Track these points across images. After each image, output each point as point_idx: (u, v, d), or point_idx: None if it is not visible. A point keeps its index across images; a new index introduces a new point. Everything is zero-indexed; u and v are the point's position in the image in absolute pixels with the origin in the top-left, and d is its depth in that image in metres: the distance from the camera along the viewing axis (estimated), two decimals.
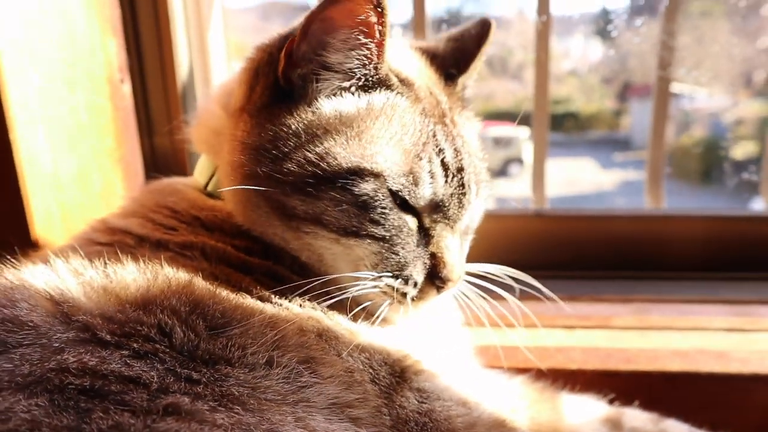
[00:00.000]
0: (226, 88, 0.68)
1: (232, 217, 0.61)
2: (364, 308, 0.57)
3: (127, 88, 0.95)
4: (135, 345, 0.43)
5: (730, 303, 0.90)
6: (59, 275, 0.50)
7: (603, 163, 5.09)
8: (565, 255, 1.05)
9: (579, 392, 0.68)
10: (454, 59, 0.66)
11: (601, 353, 0.77)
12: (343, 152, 0.56)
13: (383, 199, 0.57)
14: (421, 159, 0.58)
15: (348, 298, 0.55)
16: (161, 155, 1.03)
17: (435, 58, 0.67)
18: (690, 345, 0.78)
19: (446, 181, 0.59)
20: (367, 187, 0.56)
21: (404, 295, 0.58)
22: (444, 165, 0.59)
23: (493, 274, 0.68)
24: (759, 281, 0.97)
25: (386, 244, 0.58)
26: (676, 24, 1.13)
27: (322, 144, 0.57)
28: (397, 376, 0.54)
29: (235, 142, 0.61)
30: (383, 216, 0.57)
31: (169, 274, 0.51)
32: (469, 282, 0.66)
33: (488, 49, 0.67)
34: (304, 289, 0.55)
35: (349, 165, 0.56)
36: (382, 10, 0.54)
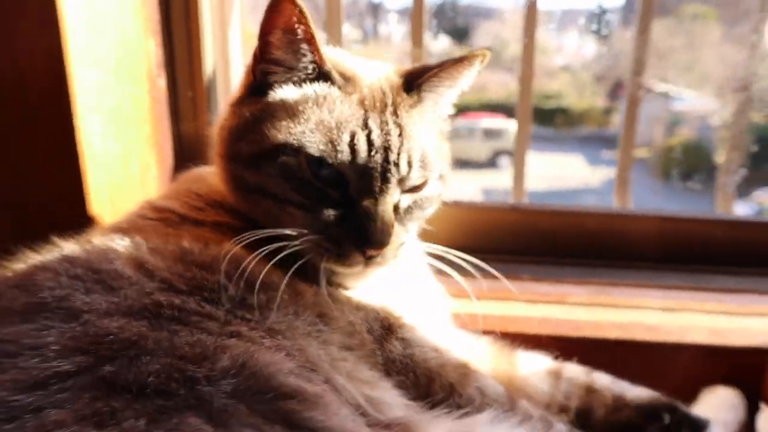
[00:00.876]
0: (235, 88, 0.84)
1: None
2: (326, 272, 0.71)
3: (162, 82, 1.10)
4: (205, 294, 0.60)
5: (669, 288, 1.09)
6: (133, 242, 0.66)
7: (591, 160, 5.21)
8: (536, 244, 1.23)
9: (533, 351, 0.86)
10: (419, 73, 0.80)
11: (554, 322, 0.95)
12: (275, 132, 0.71)
13: (303, 172, 0.70)
14: (343, 133, 0.70)
15: (294, 250, 0.68)
16: (186, 142, 1.19)
17: (409, 73, 0.81)
18: (629, 319, 0.97)
19: (369, 155, 0.71)
20: (288, 160, 0.69)
21: (328, 250, 0.70)
22: (369, 141, 0.71)
23: (453, 257, 0.79)
24: (697, 272, 1.16)
25: (309, 210, 0.70)
26: (649, 30, 1.26)
27: (265, 125, 0.72)
28: (385, 329, 0.71)
29: (219, 129, 0.78)
30: (302, 187, 0.70)
31: (217, 246, 0.67)
32: (431, 258, 0.80)
33: (466, 72, 0.81)
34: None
35: (278, 141, 0.70)
36: (302, 13, 0.69)
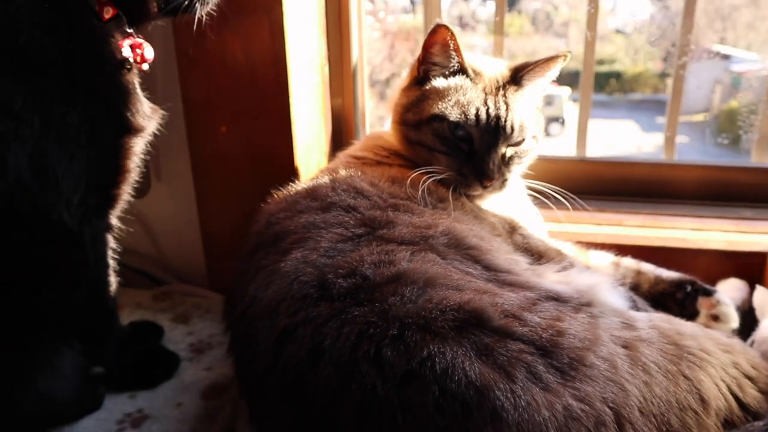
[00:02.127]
0: (403, 78, 1.33)
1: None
2: (453, 189, 1.18)
3: (326, 69, 1.59)
4: (415, 200, 1.09)
5: (699, 217, 1.53)
6: (360, 173, 1.15)
7: (645, 127, 5.38)
8: (598, 187, 1.67)
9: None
10: (521, 67, 1.26)
11: (614, 236, 1.42)
12: (430, 106, 1.21)
13: (446, 132, 1.20)
14: (471, 108, 1.19)
15: (440, 178, 1.18)
16: (336, 113, 1.68)
17: (515, 68, 1.27)
18: (669, 235, 1.43)
19: (486, 120, 1.19)
20: (437, 124, 1.20)
21: (459, 180, 1.19)
22: (487, 113, 1.19)
23: (546, 190, 1.28)
24: (723, 206, 1.58)
25: (449, 156, 1.20)
26: None
27: (424, 103, 1.22)
28: (511, 227, 1.20)
29: (396, 104, 1.28)
30: (446, 141, 1.20)
31: (407, 175, 1.16)
32: (530, 190, 1.28)
33: (554, 67, 1.25)
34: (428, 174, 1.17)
35: (432, 113, 1.20)
36: (452, 34, 1.17)
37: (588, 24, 1.62)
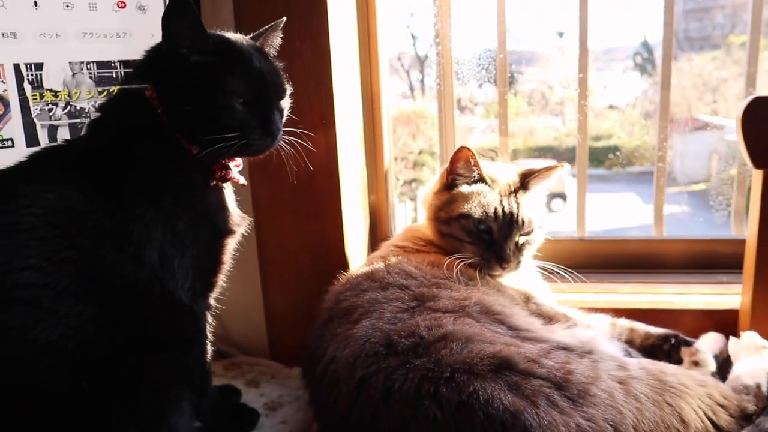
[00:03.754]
0: (435, 182, 1.74)
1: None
2: (479, 270, 1.56)
3: (365, 172, 2.01)
4: (451, 279, 1.46)
5: (683, 282, 1.89)
6: (405, 259, 1.53)
7: (645, 198, 5.73)
8: (596, 261, 2.04)
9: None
10: (527, 174, 1.67)
11: (611, 301, 1.78)
12: (458, 207, 1.60)
13: (471, 227, 1.58)
14: (491, 207, 1.58)
15: (468, 262, 1.55)
16: (372, 207, 2.08)
17: (523, 174, 1.69)
18: (657, 299, 1.79)
19: (503, 217, 1.58)
20: (464, 221, 1.58)
21: (483, 264, 1.57)
22: (503, 211, 1.58)
23: (553, 268, 1.66)
24: (704, 273, 1.95)
25: (474, 245, 1.57)
26: (670, 77, 1.97)
27: (453, 204, 1.62)
28: (526, 298, 1.57)
29: (429, 204, 1.67)
30: (471, 234, 1.58)
31: (442, 260, 1.54)
32: (539, 269, 1.67)
33: (553, 174, 1.67)
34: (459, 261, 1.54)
35: (460, 212, 1.59)
36: (473, 153, 1.59)
37: (579, 130, 2.05)
